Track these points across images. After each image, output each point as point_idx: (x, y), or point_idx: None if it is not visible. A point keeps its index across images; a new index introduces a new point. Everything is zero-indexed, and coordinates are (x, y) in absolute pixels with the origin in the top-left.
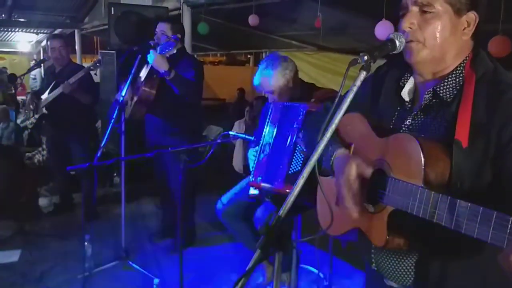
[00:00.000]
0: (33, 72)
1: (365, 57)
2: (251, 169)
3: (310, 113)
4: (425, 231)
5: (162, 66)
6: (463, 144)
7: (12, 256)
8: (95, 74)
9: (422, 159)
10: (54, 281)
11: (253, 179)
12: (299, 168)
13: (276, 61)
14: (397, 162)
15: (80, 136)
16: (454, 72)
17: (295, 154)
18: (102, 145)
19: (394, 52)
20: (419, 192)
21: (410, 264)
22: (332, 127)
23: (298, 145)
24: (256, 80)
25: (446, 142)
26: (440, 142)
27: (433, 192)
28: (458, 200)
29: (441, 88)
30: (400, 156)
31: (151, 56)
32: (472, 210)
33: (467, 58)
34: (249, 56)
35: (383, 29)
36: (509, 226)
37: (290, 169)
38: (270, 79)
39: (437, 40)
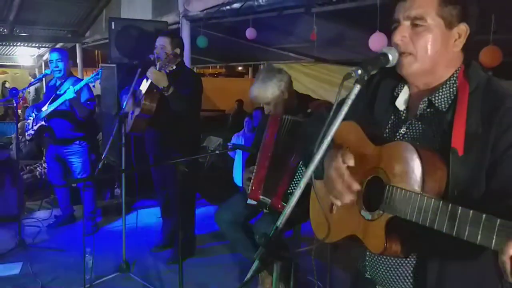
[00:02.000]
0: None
1: (359, 71)
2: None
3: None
4: (423, 237)
5: (161, 83)
6: (459, 152)
7: (13, 269)
8: (93, 86)
9: (421, 167)
10: None
11: (252, 192)
12: (296, 181)
13: (271, 73)
14: (394, 170)
15: (79, 148)
16: (448, 82)
17: (296, 174)
18: (102, 157)
19: (387, 66)
20: (419, 200)
21: (407, 272)
22: (328, 139)
23: (300, 166)
24: (252, 92)
25: (441, 151)
26: (436, 151)
27: (433, 198)
28: (459, 207)
29: (436, 97)
30: (398, 164)
31: (151, 73)
32: (474, 216)
33: (459, 68)
34: (239, 67)
35: (377, 41)
36: None
37: (290, 188)
38: (266, 91)
39: (428, 52)
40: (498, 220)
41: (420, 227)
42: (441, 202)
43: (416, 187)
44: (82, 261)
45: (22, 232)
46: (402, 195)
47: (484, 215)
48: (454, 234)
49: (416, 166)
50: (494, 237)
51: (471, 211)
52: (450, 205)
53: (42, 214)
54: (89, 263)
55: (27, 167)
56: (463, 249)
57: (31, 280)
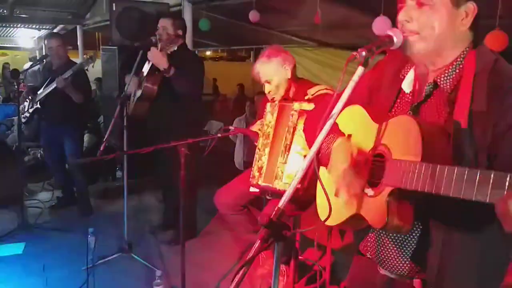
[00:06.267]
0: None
1: (363, 53)
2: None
3: (303, 112)
4: (424, 211)
5: (162, 64)
6: (462, 125)
7: (16, 248)
8: (87, 69)
9: (420, 135)
10: (58, 273)
11: (253, 179)
12: (296, 167)
13: (277, 52)
14: (395, 143)
15: (72, 132)
16: (455, 63)
17: (290, 154)
18: (104, 140)
19: (392, 48)
20: (411, 167)
21: (406, 254)
22: (330, 121)
23: (293, 145)
24: (256, 68)
25: (446, 129)
26: (438, 123)
27: (424, 164)
28: (446, 167)
29: (442, 79)
30: (398, 136)
31: (151, 54)
32: (467, 173)
33: (467, 49)
34: (241, 51)
35: (381, 24)
36: (507, 182)
37: (288, 169)
38: (269, 68)
39: (434, 32)
40: (479, 171)
41: (420, 201)
42: (430, 165)
43: (416, 156)
44: (84, 241)
45: (25, 213)
46: (402, 165)
47: (467, 169)
48: (441, 192)
49: (415, 135)
50: (489, 189)
51: (456, 168)
52: (438, 166)
53: (44, 195)
54: (91, 243)
55: (29, 149)
56: (465, 226)
57: (33, 260)
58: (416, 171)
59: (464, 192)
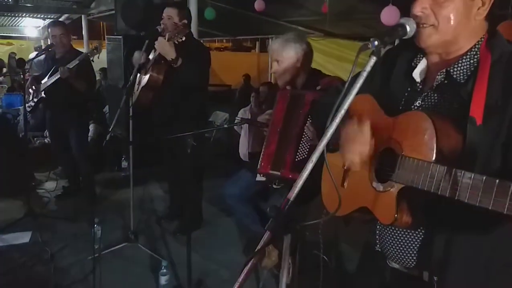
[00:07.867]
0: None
1: (376, 42)
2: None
3: (315, 102)
4: (433, 209)
5: (169, 54)
6: (477, 122)
7: (23, 237)
8: (92, 60)
9: (435, 135)
10: (64, 262)
11: (261, 167)
12: (305, 156)
13: (297, 36)
14: (407, 139)
15: (77, 121)
16: (469, 53)
17: (301, 142)
18: (110, 130)
19: (404, 38)
20: (425, 167)
21: (413, 247)
22: (342, 112)
23: (304, 133)
24: (271, 45)
25: (458, 121)
26: (450, 119)
27: (439, 165)
28: (463, 171)
29: (455, 69)
30: (411, 133)
31: (158, 43)
32: (484, 181)
33: (482, 39)
34: (246, 42)
35: (389, 14)
36: None
37: (297, 156)
38: (283, 48)
39: (451, 23)
40: (497, 181)
41: (430, 198)
42: (445, 168)
43: (429, 155)
44: (91, 230)
45: (31, 202)
46: (414, 164)
47: (484, 177)
48: (456, 197)
49: (429, 134)
50: (507, 201)
51: (473, 174)
52: (454, 169)
53: (50, 185)
54: (97, 233)
55: (35, 139)
56: (473, 225)
57: (40, 249)
58: (430, 172)
59: (481, 200)
